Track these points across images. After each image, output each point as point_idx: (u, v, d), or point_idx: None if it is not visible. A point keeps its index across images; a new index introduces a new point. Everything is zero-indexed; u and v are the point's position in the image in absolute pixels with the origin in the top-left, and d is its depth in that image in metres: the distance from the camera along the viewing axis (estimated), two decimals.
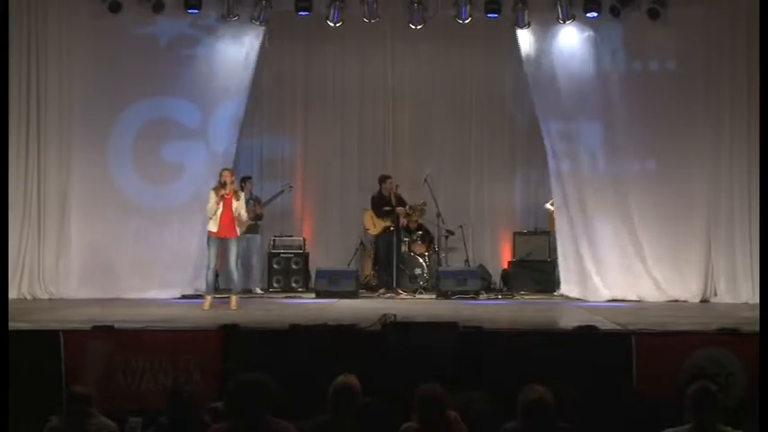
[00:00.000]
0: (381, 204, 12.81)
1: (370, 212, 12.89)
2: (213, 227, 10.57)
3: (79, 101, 12.10)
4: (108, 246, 12.13)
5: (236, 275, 10.78)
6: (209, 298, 10.62)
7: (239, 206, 10.63)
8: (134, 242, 12.17)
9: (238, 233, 10.73)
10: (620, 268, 12.02)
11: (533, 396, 4.97)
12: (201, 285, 11.91)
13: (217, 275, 10.83)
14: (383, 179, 12.89)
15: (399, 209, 12.77)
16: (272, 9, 12.03)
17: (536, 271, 12.96)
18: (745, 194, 11.62)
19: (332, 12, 11.92)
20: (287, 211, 13.87)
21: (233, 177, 10.79)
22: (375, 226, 12.84)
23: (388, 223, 12.75)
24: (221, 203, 10.49)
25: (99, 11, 11.91)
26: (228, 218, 10.56)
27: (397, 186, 12.97)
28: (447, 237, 13.16)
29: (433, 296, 12.38)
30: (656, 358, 7.89)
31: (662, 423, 5.30)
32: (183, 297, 11.90)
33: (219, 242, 10.61)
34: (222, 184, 10.57)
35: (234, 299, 10.69)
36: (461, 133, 13.85)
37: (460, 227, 13.20)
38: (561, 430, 5.01)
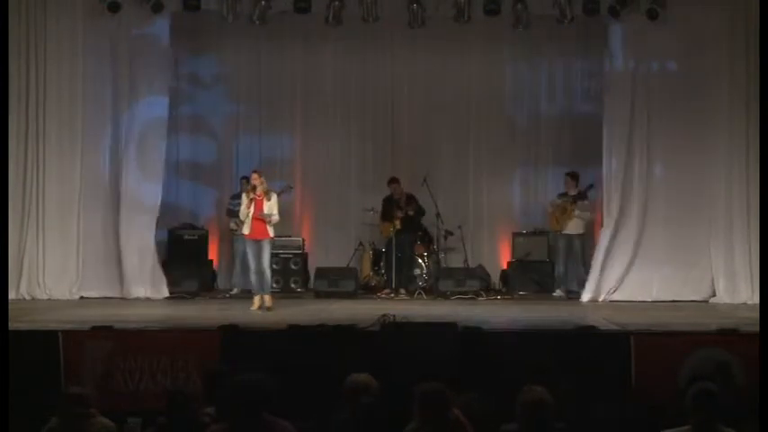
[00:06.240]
0: (388, 209, 12.77)
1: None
2: (246, 229, 10.61)
3: (79, 100, 12.06)
4: (108, 246, 12.11)
5: (268, 276, 10.79)
6: (256, 298, 10.71)
7: (271, 207, 10.62)
8: (134, 242, 12.14)
9: (272, 234, 10.69)
10: (625, 269, 11.99)
11: (532, 397, 4.96)
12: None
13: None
14: (390, 182, 12.86)
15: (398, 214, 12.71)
16: (272, 9, 12.03)
17: (535, 271, 12.94)
18: (744, 194, 11.60)
19: (331, 12, 11.91)
20: (286, 211, 13.72)
21: (262, 179, 10.69)
22: (393, 227, 12.74)
23: (397, 226, 12.70)
24: (252, 206, 10.48)
25: (98, 10, 11.90)
26: (261, 220, 10.55)
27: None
28: (446, 237, 13.10)
29: (433, 297, 12.35)
30: (656, 358, 7.91)
31: (661, 424, 5.29)
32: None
33: (254, 244, 10.63)
34: (252, 187, 10.55)
35: (268, 297, 10.74)
36: (461, 133, 13.83)
37: (459, 227, 13.12)
38: (560, 431, 5.01)
